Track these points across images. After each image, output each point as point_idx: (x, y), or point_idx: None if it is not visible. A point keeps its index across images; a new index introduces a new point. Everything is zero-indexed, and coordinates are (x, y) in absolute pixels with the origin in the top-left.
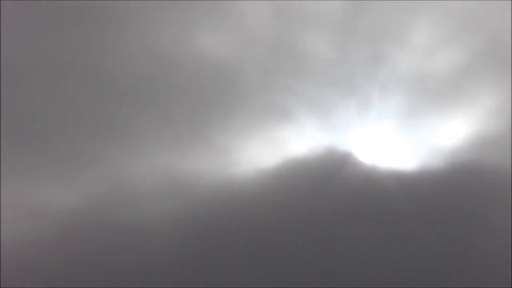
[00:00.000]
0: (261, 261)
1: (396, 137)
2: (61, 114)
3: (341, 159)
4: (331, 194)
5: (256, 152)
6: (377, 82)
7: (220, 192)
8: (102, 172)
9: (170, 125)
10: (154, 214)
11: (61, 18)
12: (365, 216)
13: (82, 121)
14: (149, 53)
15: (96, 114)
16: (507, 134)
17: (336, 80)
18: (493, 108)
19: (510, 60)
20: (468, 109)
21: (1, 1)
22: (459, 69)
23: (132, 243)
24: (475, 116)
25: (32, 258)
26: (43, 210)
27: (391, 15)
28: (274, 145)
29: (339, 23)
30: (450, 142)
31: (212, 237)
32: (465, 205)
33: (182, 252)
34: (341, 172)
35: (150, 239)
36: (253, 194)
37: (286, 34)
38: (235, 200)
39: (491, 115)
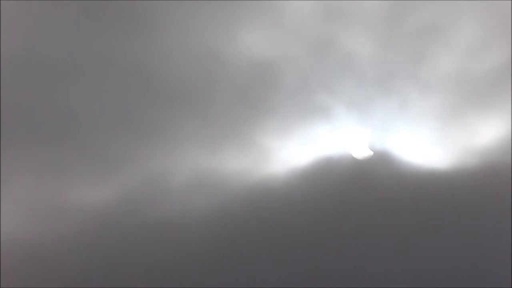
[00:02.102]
0: (293, 261)
1: (434, 137)
2: (96, 112)
3: (378, 158)
4: (367, 194)
5: (292, 151)
6: (417, 82)
7: (253, 191)
8: (135, 170)
9: (207, 123)
10: (186, 212)
11: (103, 16)
12: (401, 216)
13: (118, 119)
14: (189, 51)
15: (132, 112)
16: None
17: (376, 79)
18: None
19: None
20: (506, 109)
21: (49, 1)
22: (498, 68)
23: (164, 242)
24: None
25: (64, 255)
26: (75, 207)
27: (434, 14)
28: (310, 145)
29: (381, 23)
30: (488, 142)
31: (244, 236)
32: (502, 205)
33: (213, 251)
34: (378, 172)
35: (182, 238)
36: (287, 193)
37: (328, 33)
38: (268, 199)
39: None
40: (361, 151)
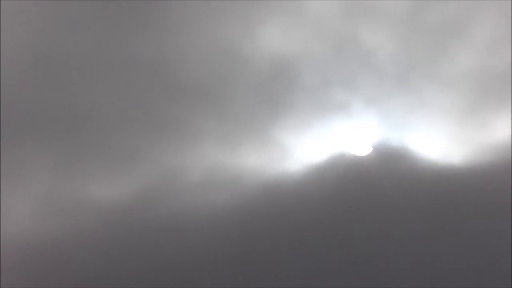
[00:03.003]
0: (308, 258)
1: (451, 133)
2: (113, 109)
3: (395, 154)
4: (384, 190)
5: (309, 148)
6: (435, 79)
7: (269, 188)
8: (151, 167)
9: (224, 120)
10: (202, 209)
11: (122, 13)
12: (417, 212)
13: (135, 116)
14: (208, 48)
15: (149, 109)
16: None
17: (394, 76)
18: None
19: None
20: None
21: (73, 1)
22: None
23: (179, 238)
24: None
25: (81, 251)
26: (92, 204)
27: (453, 12)
28: (328, 141)
29: (401, 20)
30: (505, 139)
31: (259, 233)
32: None
33: (229, 247)
34: (395, 168)
35: (198, 234)
36: (303, 190)
37: (348, 30)
38: (284, 196)
39: None
40: (378, 147)
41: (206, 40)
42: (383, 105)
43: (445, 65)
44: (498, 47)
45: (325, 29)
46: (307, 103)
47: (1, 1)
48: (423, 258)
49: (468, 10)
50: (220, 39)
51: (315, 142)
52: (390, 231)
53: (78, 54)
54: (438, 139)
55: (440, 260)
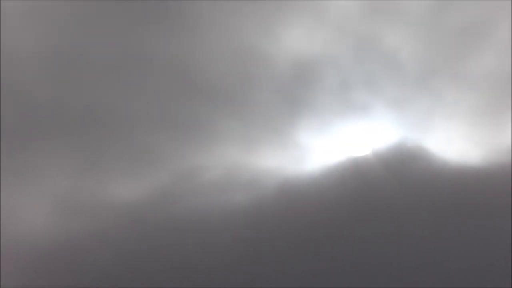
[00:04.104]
0: (329, 258)
1: (469, 134)
2: (134, 109)
3: (414, 154)
4: (402, 190)
5: (328, 148)
6: (456, 80)
7: (287, 188)
8: (172, 166)
9: (244, 120)
10: (220, 208)
11: (146, 15)
12: (435, 212)
13: (156, 116)
14: (231, 49)
15: (170, 109)
16: None
17: (415, 77)
18: None
19: None
20: None
21: (94, 1)
22: None
23: (198, 237)
24: None
25: (99, 250)
26: (112, 203)
27: (474, 14)
28: (347, 142)
29: (422, 21)
30: None
31: (276, 233)
32: None
33: (247, 247)
34: (414, 168)
35: (216, 234)
36: (322, 191)
37: (369, 31)
38: (302, 197)
39: None
40: (396, 149)
41: (228, 41)
42: (403, 106)
43: (465, 66)
44: None
45: (346, 30)
46: (327, 104)
47: (24, 1)
48: (437, 256)
49: (490, 11)
50: (242, 40)
51: (334, 142)
52: (408, 230)
53: (99, 54)
54: (457, 139)
55: (453, 258)
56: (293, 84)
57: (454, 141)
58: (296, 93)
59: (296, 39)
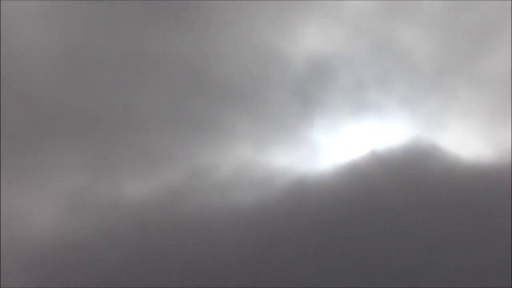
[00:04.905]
0: (338, 260)
1: (484, 133)
2: (147, 108)
3: (427, 154)
4: (416, 189)
5: (341, 147)
6: (470, 79)
7: (299, 187)
8: (183, 165)
9: (257, 118)
10: (232, 207)
11: (162, 15)
12: (448, 210)
13: (169, 114)
14: (245, 48)
15: (183, 108)
16: None
17: (430, 76)
18: None
19: None
20: None
21: (110, 0)
22: None
23: (209, 236)
24: None
25: (110, 250)
26: (122, 202)
27: (488, 14)
28: (360, 141)
29: (439, 20)
30: None
31: (289, 232)
32: None
33: (258, 246)
34: (427, 167)
35: (227, 233)
36: (334, 189)
37: (384, 31)
38: (314, 195)
39: None
40: (409, 147)
41: (241, 39)
42: (416, 105)
43: (479, 65)
44: None
45: (361, 29)
46: (341, 103)
47: (37, 1)
48: (452, 255)
49: (504, 11)
50: (256, 39)
51: (348, 141)
52: (421, 229)
53: (110, 53)
54: (470, 138)
55: (467, 257)
56: (307, 83)
57: (467, 140)
58: (309, 92)
59: (310, 38)
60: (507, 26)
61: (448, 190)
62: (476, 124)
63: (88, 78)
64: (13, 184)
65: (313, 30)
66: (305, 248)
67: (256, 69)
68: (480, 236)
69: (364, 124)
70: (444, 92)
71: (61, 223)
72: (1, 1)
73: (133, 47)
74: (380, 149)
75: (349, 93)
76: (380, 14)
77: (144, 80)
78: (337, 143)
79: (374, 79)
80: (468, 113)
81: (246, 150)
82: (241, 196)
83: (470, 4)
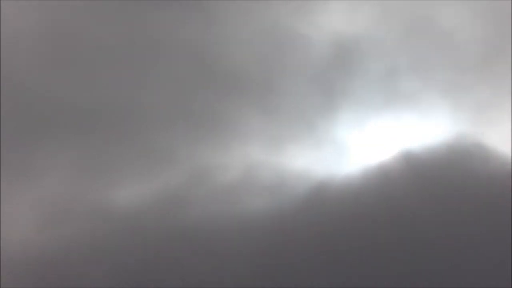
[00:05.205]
0: (363, 275)
1: None
2: (147, 102)
3: (471, 152)
4: (457, 191)
5: (371, 145)
6: None
7: (320, 192)
8: (184, 167)
9: (272, 112)
10: (239, 215)
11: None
12: (494, 215)
13: (171, 109)
14: (258, 31)
15: (187, 101)
16: None
17: (473, 62)
18: None
19: None
20: None
21: None
22: None
23: (212, 249)
24: None
25: (95, 264)
26: (113, 211)
27: None
28: (393, 138)
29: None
30: None
31: (307, 247)
32: None
33: (269, 261)
34: (470, 168)
35: (232, 246)
36: (363, 195)
37: (421, 9)
38: (338, 202)
39: None
40: (450, 145)
41: (253, 21)
42: (459, 96)
43: None
44: None
45: (393, 7)
46: (370, 94)
47: None
48: (498, 260)
49: None
50: (270, 20)
51: (377, 139)
52: (464, 243)
53: (105, 38)
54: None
55: None
56: (330, 71)
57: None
58: (333, 81)
59: (335, 18)
60: None
61: (497, 196)
62: None
63: (78, 66)
64: None
65: (337, 8)
66: (325, 265)
67: (270, 55)
68: None
69: (397, 119)
70: (492, 81)
71: (42, 234)
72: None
73: (129, 32)
74: (416, 149)
75: (380, 82)
76: None
77: (141, 70)
78: (365, 142)
79: (409, 66)
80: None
81: (258, 150)
82: (251, 204)
83: None
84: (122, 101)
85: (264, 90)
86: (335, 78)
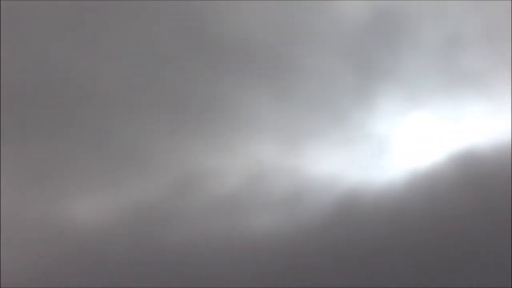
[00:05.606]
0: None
1: None
2: (114, 81)
3: None
4: None
5: (418, 143)
6: None
7: (349, 203)
8: (169, 171)
9: (286, 102)
10: (243, 235)
11: None
12: None
13: (148, 94)
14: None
15: (170, 84)
16: None
17: None
18: None
19: None
20: None
21: None
22: None
23: (206, 279)
24: None
25: None
26: (72, 230)
27: None
28: (449, 133)
29: None
30: None
31: (329, 269)
32: None
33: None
34: None
35: (234, 273)
36: (404, 207)
37: None
38: (372, 216)
39: None
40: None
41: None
42: None
43: None
44: None
45: None
46: (419, 74)
47: None
48: None
49: None
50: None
51: (430, 134)
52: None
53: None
54: None
55: None
56: (366, 46)
57: None
58: (370, 59)
59: None
60: None
61: None
62: None
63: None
64: None
65: None
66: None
67: (283, 26)
68: None
69: (455, 108)
70: None
71: None
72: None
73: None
74: (480, 149)
75: (435, 58)
76: None
77: (103, 34)
78: (411, 139)
79: (472, 36)
80: None
81: (268, 149)
82: (257, 221)
83: None
84: (81, 81)
85: (278, 68)
86: (374, 52)
